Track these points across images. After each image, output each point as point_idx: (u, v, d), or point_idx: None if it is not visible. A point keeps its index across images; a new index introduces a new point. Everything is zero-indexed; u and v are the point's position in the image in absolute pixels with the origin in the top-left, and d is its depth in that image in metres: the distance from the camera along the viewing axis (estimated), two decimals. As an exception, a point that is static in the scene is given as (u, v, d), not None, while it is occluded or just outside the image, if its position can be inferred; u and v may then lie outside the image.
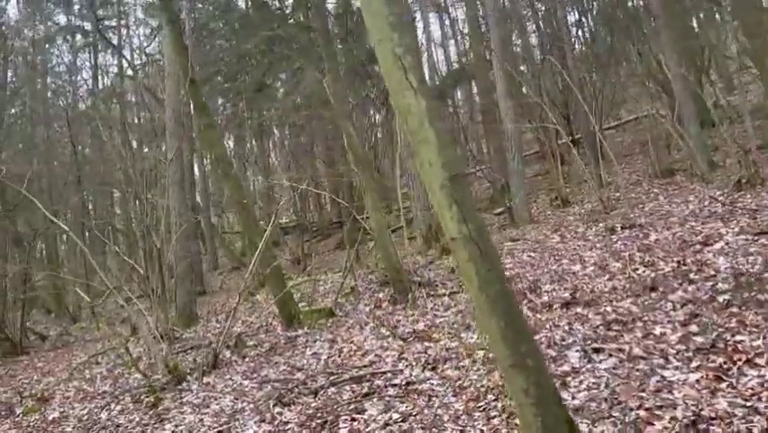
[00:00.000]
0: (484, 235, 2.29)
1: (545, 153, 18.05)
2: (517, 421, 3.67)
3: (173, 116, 11.63)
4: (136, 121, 26.84)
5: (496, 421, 3.77)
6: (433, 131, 2.25)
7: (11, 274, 14.93)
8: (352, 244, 11.11)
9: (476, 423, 3.82)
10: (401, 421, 4.12)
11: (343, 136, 8.62)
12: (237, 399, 6.01)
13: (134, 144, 21.11)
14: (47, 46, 25.70)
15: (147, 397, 6.96)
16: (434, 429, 3.83)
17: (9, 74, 23.38)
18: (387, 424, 4.11)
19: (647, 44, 17.40)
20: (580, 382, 3.92)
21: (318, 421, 4.65)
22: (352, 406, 4.78)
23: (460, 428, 3.81)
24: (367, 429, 4.20)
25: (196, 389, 6.66)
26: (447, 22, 32.26)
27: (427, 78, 17.67)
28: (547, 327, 5.23)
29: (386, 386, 4.99)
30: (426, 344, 5.84)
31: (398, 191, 9.92)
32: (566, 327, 5.09)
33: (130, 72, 26.84)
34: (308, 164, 22.03)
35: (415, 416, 4.17)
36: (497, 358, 2.44)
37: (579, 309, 5.53)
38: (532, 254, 8.94)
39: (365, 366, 5.75)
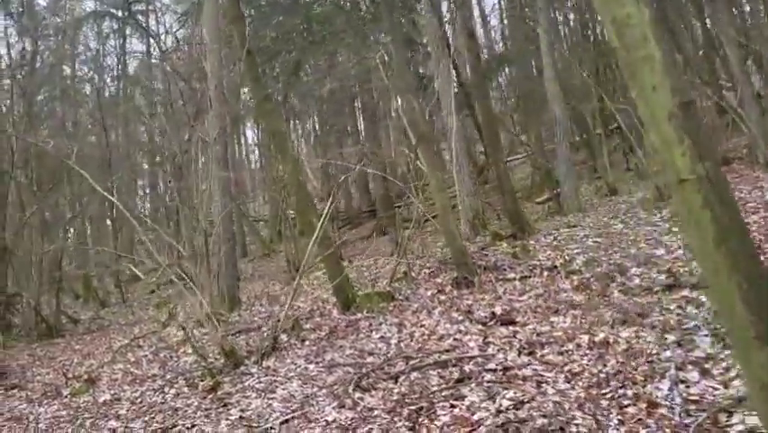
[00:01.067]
0: (722, 176, 1.87)
1: (588, 141, 17.57)
2: (647, 411, 3.25)
3: (216, 94, 11.27)
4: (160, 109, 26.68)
5: (632, 410, 3.35)
6: (657, 47, 1.84)
7: (38, 258, 14.77)
8: (401, 228, 10.64)
9: (608, 412, 3.39)
10: (514, 409, 3.71)
11: (399, 112, 8.20)
12: (305, 383, 5.63)
13: (167, 129, 20.76)
14: (75, 32, 25.53)
15: (202, 381, 6.62)
16: (558, 417, 3.41)
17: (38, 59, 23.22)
18: (499, 411, 3.70)
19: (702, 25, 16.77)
20: (726, 369, 3.49)
21: (411, 408, 4.25)
22: (446, 392, 4.38)
23: (589, 415, 3.39)
24: (474, 416, 3.79)
25: (257, 373, 6.30)
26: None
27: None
28: (656, 310, 4.79)
29: (480, 371, 4.58)
30: (512, 328, 5.42)
31: (455, 175, 9.49)
32: (678, 311, 4.64)
33: (154, 60, 26.70)
34: (337, 149, 21.66)
35: (527, 403, 3.75)
36: (730, 328, 2.02)
37: (685, 293, 5.08)
38: (598, 240, 8.47)
39: (447, 351, 5.34)
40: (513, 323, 5.56)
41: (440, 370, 4.91)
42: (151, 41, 26.18)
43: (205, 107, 18.95)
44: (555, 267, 7.13)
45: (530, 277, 7.08)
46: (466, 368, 4.74)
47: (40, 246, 13.93)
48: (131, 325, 12.93)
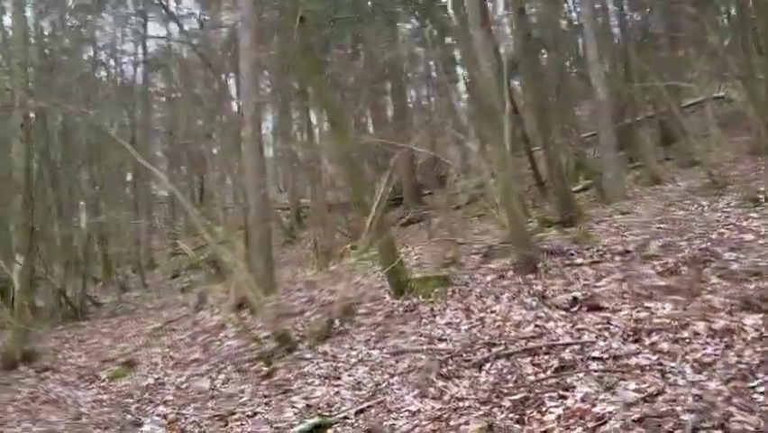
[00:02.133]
0: None
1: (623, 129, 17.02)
2: None
3: (250, 73, 10.82)
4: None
5: (798, 406, 2.89)
6: None
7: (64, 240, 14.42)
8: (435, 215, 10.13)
9: (769, 407, 2.94)
10: (645, 402, 3.26)
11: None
12: (373, 370, 5.21)
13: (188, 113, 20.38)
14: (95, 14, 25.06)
15: (253, 366, 6.22)
16: (711, 413, 2.95)
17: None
18: (630, 404, 3.25)
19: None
20: None
21: (512, 398, 3.82)
22: (548, 382, 3.94)
23: (745, 411, 2.94)
24: (595, 409, 3.35)
25: (314, 358, 5.88)
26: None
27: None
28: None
29: (582, 360, 4.14)
30: (601, 314, 4.97)
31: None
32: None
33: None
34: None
35: (659, 395, 3.30)
36: None
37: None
38: (663, 226, 7.99)
39: (532, 337, 4.90)
40: (600, 309, 5.10)
41: (531, 358, 4.47)
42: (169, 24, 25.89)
43: (226, 94, 18.65)
44: (628, 251, 6.66)
45: (601, 262, 6.61)
46: (563, 356, 4.30)
47: (66, 228, 13.54)
48: (158, 309, 12.56)
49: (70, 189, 15.54)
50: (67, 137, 15.17)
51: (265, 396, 5.24)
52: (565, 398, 3.63)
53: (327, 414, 4.40)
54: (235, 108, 16.20)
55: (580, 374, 3.88)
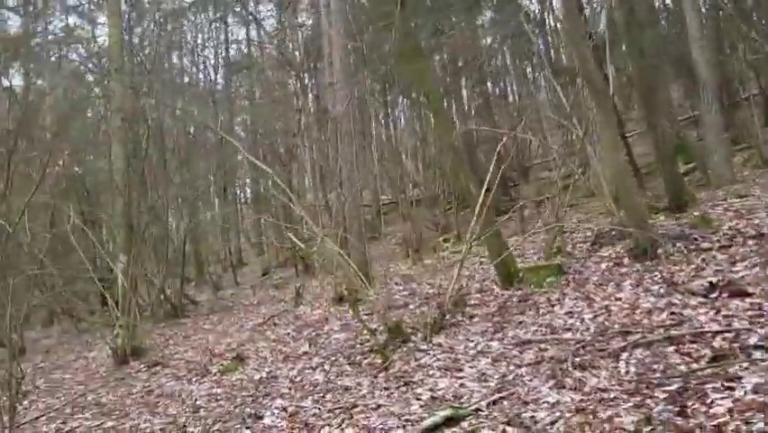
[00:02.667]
0: None
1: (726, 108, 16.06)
2: None
3: (341, 66, 10.79)
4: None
5: None
6: None
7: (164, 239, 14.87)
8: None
9: None
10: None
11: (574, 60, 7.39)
12: (496, 361, 5.00)
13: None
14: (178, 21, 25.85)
15: (366, 358, 6.13)
16: None
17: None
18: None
19: None
20: None
21: (666, 389, 3.53)
22: (705, 372, 3.62)
23: None
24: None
25: (430, 350, 5.72)
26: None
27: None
28: None
29: (741, 348, 3.79)
30: (748, 300, 4.58)
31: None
32: None
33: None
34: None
35: None
36: None
37: None
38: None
39: (672, 325, 4.57)
40: (746, 294, 4.71)
41: (675, 347, 4.15)
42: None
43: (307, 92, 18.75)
44: (762, 234, 6.17)
45: (731, 246, 6.14)
46: (715, 345, 3.96)
47: (162, 228, 13.95)
48: (254, 305, 12.75)
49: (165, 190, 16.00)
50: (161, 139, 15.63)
51: (385, 388, 5.11)
52: (732, 389, 3.31)
53: (459, 406, 4.22)
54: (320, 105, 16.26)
55: (744, 364, 3.55)
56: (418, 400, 4.64)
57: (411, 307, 7.83)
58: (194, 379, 7.33)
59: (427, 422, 4.00)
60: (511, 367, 4.77)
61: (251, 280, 19.76)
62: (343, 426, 4.53)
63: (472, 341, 5.67)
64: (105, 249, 13.71)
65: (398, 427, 4.22)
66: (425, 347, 5.83)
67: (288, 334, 8.44)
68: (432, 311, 6.19)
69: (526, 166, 21.76)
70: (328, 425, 4.64)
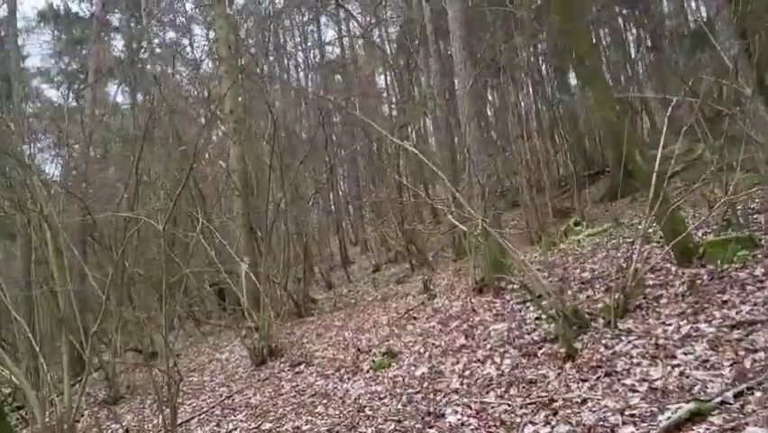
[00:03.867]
0: None
1: None
2: None
3: (461, 46, 10.25)
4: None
5: None
6: None
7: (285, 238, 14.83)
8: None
9: None
10: None
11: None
12: (716, 346, 4.32)
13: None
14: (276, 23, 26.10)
15: (540, 348, 5.57)
16: None
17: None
18: None
19: None
20: None
21: None
22: None
23: None
24: None
25: (620, 336, 5.09)
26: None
27: None
28: None
29: None
30: None
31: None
32: None
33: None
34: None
35: None
36: None
37: None
38: None
39: None
40: None
41: None
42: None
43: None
44: None
45: None
46: None
47: (286, 226, 13.86)
48: (380, 300, 12.41)
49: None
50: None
51: (582, 380, 4.54)
52: None
53: (702, 399, 3.59)
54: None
55: None
56: (634, 391, 4.05)
57: (569, 293, 7.18)
58: (345, 377, 7.00)
59: (672, 417, 3.39)
60: (740, 352, 4.09)
61: (363, 277, 19.56)
62: (552, 422, 4.00)
63: (670, 324, 5.00)
64: (220, 253, 13.70)
65: (625, 423, 3.65)
66: (610, 334, 5.21)
67: (433, 327, 7.97)
68: (615, 294, 5.53)
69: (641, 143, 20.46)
70: (531, 422, 4.12)
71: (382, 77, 28.66)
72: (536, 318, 6.56)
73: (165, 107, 16.31)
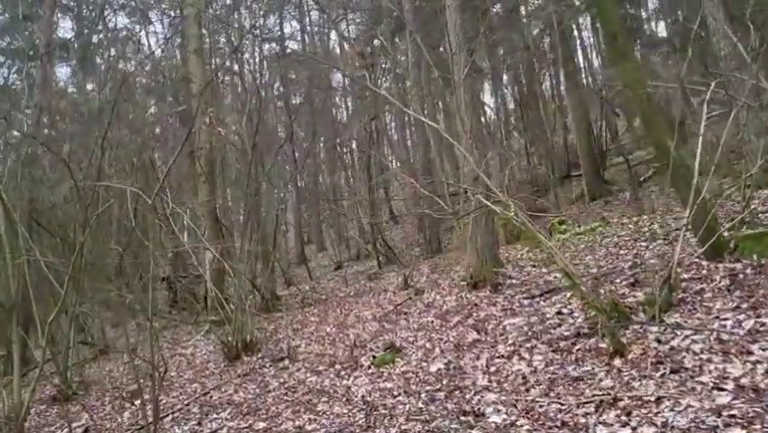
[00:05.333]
0: None
1: None
2: None
3: (457, 34, 9.75)
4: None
5: None
6: None
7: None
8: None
9: None
10: None
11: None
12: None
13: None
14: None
15: (573, 343, 5.07)
16: None
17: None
18: None
19: None
20: None
21: None
22: None
23: None
24: None
25: (673, 330, 4.62)
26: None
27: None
28: None
29: None
30: None
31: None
32: None
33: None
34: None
35: None
36: None
37: None
38: None
39: None
40: None
41: None
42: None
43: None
44: None
45: None
46: None
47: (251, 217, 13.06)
48: (354, 296, 11.79)
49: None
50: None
51: (646, 377, 4.04)
52: None
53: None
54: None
55: None
56: (720, 390, 3.57)
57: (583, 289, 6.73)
58: (342, 373, 6.35)
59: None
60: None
61: (326, 275, 18.87)
62: (631, 423, 3.47)
63: (726, 318, 4.57)
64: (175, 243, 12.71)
65: (729, 425, 3.16)
66: (657, 328, 4.74)
67: (432, 322, 7.41)
68: (659, 288, 5.07)
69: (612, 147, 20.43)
70: (602, 423, 3.59)
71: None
72: (558, 313, 6.07)
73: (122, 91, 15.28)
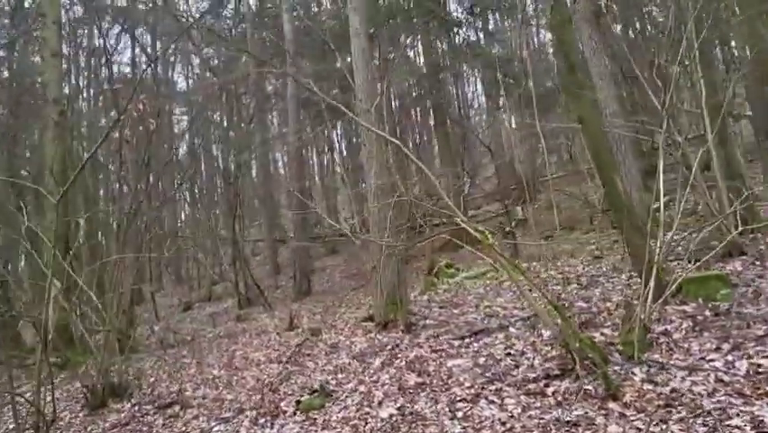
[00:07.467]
0: None
1: None
2: None
3: (365, 62, 9.34)
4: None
5: None
6: None
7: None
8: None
9: None
10: None
11: None
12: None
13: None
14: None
15: (545, 385, 4.61)
16: None
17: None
18: None
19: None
20: None
21: None
22: None
23: None
24: None
25: (662, 370, 4.32)
26: None
27: None
28: None
29: None
30: None
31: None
32: None
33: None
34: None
35: None
36: None
37: None
38: None
39: None
40: None
41: None
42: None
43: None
44: None
45: None
46: None
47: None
48: (227, 337, 10.61)
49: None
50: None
51: (660, 421, 3.64)
52: None
53: None
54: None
55: None
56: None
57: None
58: (261, 420, 5.36)
59: None
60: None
61: (175, 315, 17.15)
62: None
63: (713, 359, 4.36)
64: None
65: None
66: (641, 369, 4.43)
67: (349, 364, 6.63)
68: (635, 326, 4.77)
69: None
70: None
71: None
72: (507, 354, 5.60)
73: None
